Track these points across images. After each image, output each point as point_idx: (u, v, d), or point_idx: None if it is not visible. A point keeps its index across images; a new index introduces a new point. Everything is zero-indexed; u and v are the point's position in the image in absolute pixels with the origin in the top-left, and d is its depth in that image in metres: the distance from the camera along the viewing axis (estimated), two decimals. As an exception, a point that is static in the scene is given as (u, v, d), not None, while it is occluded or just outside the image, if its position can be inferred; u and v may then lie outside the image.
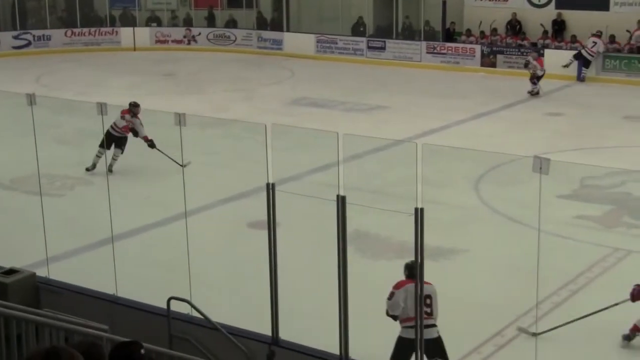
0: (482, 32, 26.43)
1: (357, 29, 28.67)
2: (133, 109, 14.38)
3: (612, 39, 24.03)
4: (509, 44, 25.86)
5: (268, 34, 29.78)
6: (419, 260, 6.79)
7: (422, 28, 27.64)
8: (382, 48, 27.36)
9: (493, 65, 25.49)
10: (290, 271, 8.96)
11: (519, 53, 25.16)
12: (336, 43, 28.24)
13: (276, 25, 30.23)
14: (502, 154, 14.92)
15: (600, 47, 23.41)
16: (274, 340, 7.56)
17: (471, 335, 8.58)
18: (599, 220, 12.17)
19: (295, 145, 14.60)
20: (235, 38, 30.20)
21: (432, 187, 12.53)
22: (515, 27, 26.32)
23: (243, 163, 13.66)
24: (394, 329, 8.24)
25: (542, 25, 25.58)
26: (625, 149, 16.24)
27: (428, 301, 7.39)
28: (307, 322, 8.51)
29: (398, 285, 7.57)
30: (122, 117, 14.36)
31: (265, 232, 7.54)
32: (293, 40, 28.99)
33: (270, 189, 7.47)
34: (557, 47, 25.05)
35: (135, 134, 14.45)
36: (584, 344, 8.49)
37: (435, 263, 10.02)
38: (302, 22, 30.21)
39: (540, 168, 9.51)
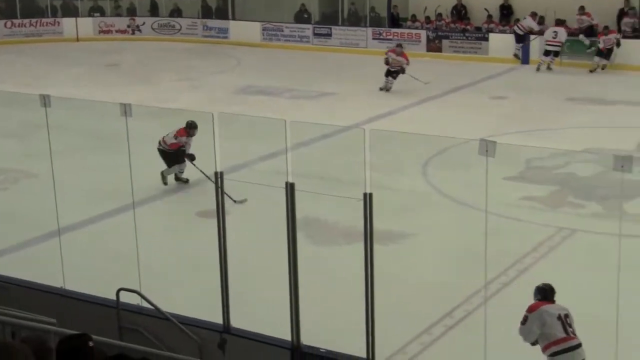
0: (427, 18, 26.59)
1: (301, 16, 28.64)
2: (190, 130, 12.99)
3: (561, 22, 24.30)
4: (454, 29, 26.05)
5: (213, 23, 29.61)
6: (369, 245, 6.82)
7: (368, 14, 27.72)
8: (328, 35, 27.38)
9: (439, 50, 25.68)
10: (241, 259, 8.96)
11: (465, 38, 25.39)
12: (282, 30, 28.19)
13: (221, 13, 30.07)
14: (448, 137, 15.04)
15: (563, 36, 23.54)
16: (226, 328, 7.55)
17: (421, 317, 8.66)
18: (545, 201, 12.36)
19: (243, 134, 14.53)
20: (180, 27, 29.97)
21: (380, 172, 12.58)
22: (460, 12, 26.53)
23: (191, 152, 13.56)
24: (345, 314, 8.29)
25: (486, 9, 25.82)
26: (569, 131, 16.49)
27: (569, 320, 7.06)
28: (258, 310, 8.51)
29: (531, 309, 7.13)
30: (175, 137, 13.12)
31: (215, 221, 7.51)
32: (239, 29, 28.88)
33: (219, 177, 7.44)
34: (501, 32, 25.31)
35: (182, 152, 13.16)
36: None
37: (385, 247, 10.08)
38: (248, 10, 30.10)
39: (487, 151, 9.61)
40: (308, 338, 7.18)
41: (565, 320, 6.95)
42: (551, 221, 11.45)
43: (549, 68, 23.40)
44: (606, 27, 22.90)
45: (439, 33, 25.88)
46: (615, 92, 20.18)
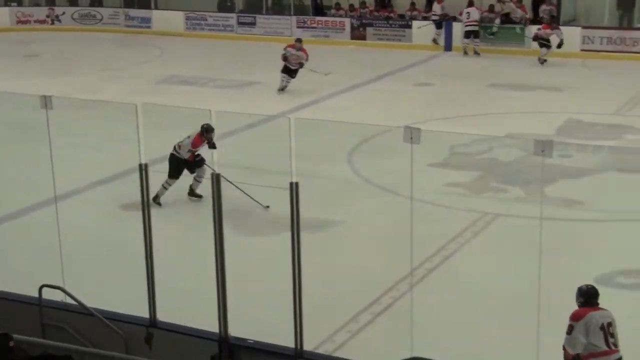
0: (351, 6, 26.69)
1: (224, 5, 28.44)
2: (207, 135, 11.68)
3: (492, 8, 24.66)
4: (377, 17, 26.19)
5: (136, 12, 29.18)
6: (296, 234, 6.82)
7: (292, 3, 27.68)
8: (253, 24, 27.24)
9: (363, 38, 25.79)
10: (167, 252, 8.88)
11: (388, 25, 25.55)
12: (206, 20, 27.94)
13: (144, 2, 29.65)
14: (373, 125, 15.13)
15: (476, 15, 23.96)
16: (152, 322, 7.47)
17: (349, 305, 8.71)
18: (468, 187, 12.53)
19: (168, 125, 14.38)
20: (102, 17, 29.46)
21: (306, 161, 12.55)
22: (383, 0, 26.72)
23: (115, 145, 13.36)
24: (273, 304, 8.28)
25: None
26: (491, 116, 16.76)
27: (611, 330, 6.63)
28: (185, 302, 8.44)
29: (576, 316, 6.64)
30: (193, 146, 11.87)
31: (140, 214, 7.42)
32: (161, 18, 28.53)
33: (143, 169, 7.35)
34: (424, 18, 25.53)
35: (202, 162, 12.05)
36: (459, 311, 8.74)
37: (312, 236, 10.08)
38: (171, -1, 29.78)
39: (411, 138, 9.68)
40: (236, 329, 7.16)
41: (607, 330, 6.57)
42: (475, 206, 11.62)
43: (476, 53, 23.76)
44: (555, 22, 22.55)
45: (363, 21, 25.99)
46: (536, 78, 20.57)
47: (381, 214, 11.44)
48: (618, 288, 9.15)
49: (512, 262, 9.77)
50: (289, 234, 6.84)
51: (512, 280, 9.23)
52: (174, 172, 11.97)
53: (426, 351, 7.42)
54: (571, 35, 23.19)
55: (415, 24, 25.13)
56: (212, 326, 7.15)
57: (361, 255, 10.26)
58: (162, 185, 11.83)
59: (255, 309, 8.48)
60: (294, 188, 6.76)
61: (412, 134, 9.68)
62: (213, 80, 20.78)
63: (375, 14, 26.41)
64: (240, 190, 11.45)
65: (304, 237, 6.88)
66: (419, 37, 24.91)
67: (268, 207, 11.54)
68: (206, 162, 11.82)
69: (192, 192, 12.07)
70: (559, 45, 21.67)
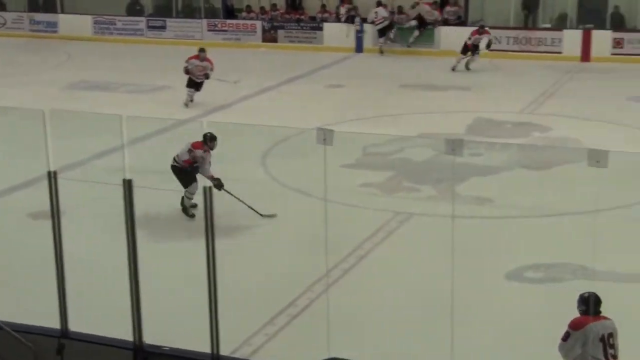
0: (262, 8, 26.68)
1: (133, 8, 28.08)
2: (210, 143, 11.31)
3: (401, 9, 25.00)
4: (288, 19, 26.23)
5: (41, 16, 28.56)
6: (210, 239, 6.76)
7: (202, 5, 27.51)
8: (163, 27, 26.98)
9: (274, 40, 25.82)
10: (79, 260, 8.69)
11: (299, 28, 25.62)
12: (114, 24, 27.55)
13: (49, 6, 29.05)
14: (286, 127, 15.16)
15: (383, 12, 24.32)
16: (64, 332, 7.30)
17: (265, 308, 8.69)
18: (382, 187, 12.65)
19: (77, 131, 14.13)
20: (5, 21, 28.75)
21: (219, 164, 12.53)
22: (294, 2, 26.77)
23: (22, 152, 13.05)
24: (188, 310, 8.21)
25: (320, -1, 26.20)
26: (403, 117, 16.96)
27: (611, 341, 6.37)
28: (99, 312, 8.29)
29: (575, 325, 6.38)
30: (190, 151, 11.34)
31: (49, 222, 7.25)
32: (68, 22, 28.00)
33: (52, 177, 7.18)
34: (336, 20, 25.70)
35: (196, 170, 11.43)
36: (375, 311, 8.81)
37: (227, 240, 10.04)
38: (78, 3, 29.19)
39: (324, 139, 9.73)
40: (151, 337, 7.05)
41: (607, 341, 6.32)
42: (388, 206, 11.73)
43: (381, 52, 24.14)
44: (482, 27, 22.45)
45: (274, 23, 26.00)
46: (446, 78, 20.93)
47: (296, 215, 11.46)
48: (528, 282, 9.37)
49: (425, 260, 9.91)
50: (204, 239, 6.78)
51: (426, 278, 9.36)
52: (185, 180, 11.41)
53: (343, 351, 7.46)
54: (478, 35, 23.70)
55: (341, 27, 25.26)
56: (127, 334, 7.03)
57: (276, 257, 10.25)
58: (184, 196, 11.36)
59: (170, 315, 8.39)
60: (207, 192, 6.70)
61: (325, 136, 9.71)
62: (123, 85, 20.49)
63: (286, 16, 26.45)
64: (240, 200, 11.16)
65: (219, 241, 6.83)
66: (330, 39, 25.06)
67: (273, 215, 11.31)
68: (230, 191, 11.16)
69: (185, 209, 11.41)
70: (488, 45, 21.81)
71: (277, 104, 18.42)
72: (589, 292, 6.47)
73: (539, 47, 23.28)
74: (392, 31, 24.29)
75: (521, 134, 15.46)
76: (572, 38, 23.06)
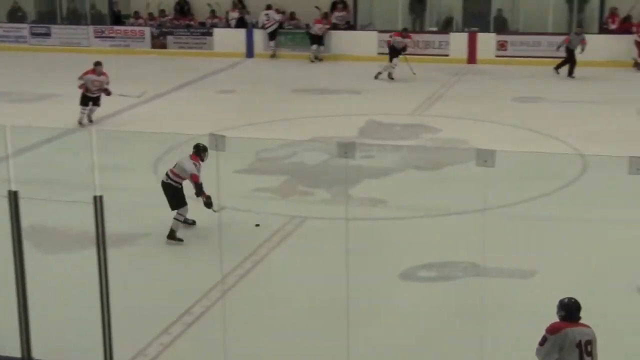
0: (150, 14, 26.35)
1: (14, 15, 27.31)
2: (203, 154, 10.70)
3: (293, 15, 25.08)
4: (178, 25, 25.99)
5: None
6: (102, 249, 6.61)
7: (88, 12, 26.97)
8: (47, 34, 26.32)
9: (164, 46, 25.55)
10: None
11: (189, 33, 25.43)
12: (-5, 31, 26.72)
13: None
14: (178, 134, 14.98)
15: (275, 15, 24.40)
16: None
17: (159, 317, 8.55)
18: (276, 191, 12.64)
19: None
20: None
21: (110, 173, 12.31)
22: (183, 7, 26.54)
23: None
24: (79, 322, 8.01)
25: (209, 4, 25.98)
26: (295, 121, 17.01)
27: (589, 348, 6.22)
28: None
29: (552, 330, 6.26)
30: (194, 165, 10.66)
31: None
32: (-55, 30, 27.01)
33: None
34: (227, 26, 25.63)
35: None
36: (272, 315, 8.79)
37: (119, 249, 9.87)
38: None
39: (217, 145, 9.68)
40: (40, 351, 6.85)
41: (584, 348, 6.20)
42: (283, 210, 11.73)
43: (273, 56, 24.24)
44: (405, 30, 22.43)
45: (163, 29, 25.72)
46: (336, 82, 21.09)
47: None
48: (421, 281, 9.52)
49: (321, 262, 9.95)
50: (95, 249, 6.63)
51: (322, 281, 9.40)
52: (179, 200, 10.60)
53: (240, 358, 7.43)
54: (368, 39, 24.02)
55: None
56: (14, 350, 6.82)
57: (170, 265, 10.12)
58: (176, 219, 10.52)
59: (61, 328, 8.17)
60: (98, 201, 6.55)
61: (217, 142, 9.66)
62: (6, 94, 19.86)
63: (175, 22, 26.20)
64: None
65: (111, 251, 6.69)
66: (221, 45, 24.96)
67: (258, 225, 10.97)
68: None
69: (173, 234, 10.58)
70: (404, 49, 21.63)
71: (168, 110, 18.20)
72: (568, 298, 6.35)
73: (426, 50, 23.74)
74: (272, 42, 24.39)
75: (411, 136, 15.72)
76: (458, 41, 23.63)
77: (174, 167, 10.83)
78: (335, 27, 24.58)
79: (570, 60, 21.04)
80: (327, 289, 9.13)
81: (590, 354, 6.17)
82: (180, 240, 10.55)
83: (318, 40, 23.78)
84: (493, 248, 10.11)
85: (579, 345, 6.16)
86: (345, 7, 25.23)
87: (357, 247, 10.11)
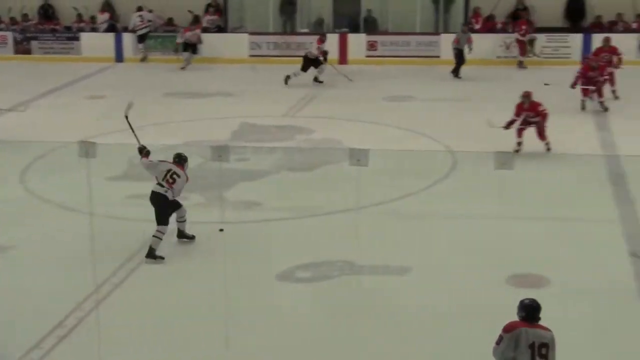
0: (12, 19, 25.48)
1: None
2: (186, 164, 10.65)
3: (171, 21, 24.75)
4: (42, 30, 25.24)
5: None
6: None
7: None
8: None
9: (28, 52, 24.75)
10: None
11: (55, 38, 24.76)
12: None
13: None
14: (47, 142, 14.58)
15: (149, 16, 24.03)
16: None
17: (31, 330, 8.27)
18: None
19: None
20: None
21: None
22: (47, 11, 25.81)
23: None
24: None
25: (75, 8, 25.35)
26: (168, 125, 16.79)
27: (544, 351, 6.12)
28: None
29: (507, 328, 6.20)
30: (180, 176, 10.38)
31: None
32: None
33: None
34: (92, 30, 25.06)
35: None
36: (149, 323, 8.64)
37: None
38: None
39: (87, 152, 9.46)
40: None
41: (538, 350, 6.11)
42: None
43: (143, 60, 23.90)
44: (324, 34, 21.75)
45: (27, 34, 24.91)
46: (209, 85, 20.93)
47: (60, 231, 11.01)
48: (298, 282, 9.55)
49: (197, 267, 9.86)
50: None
51: (199, 285, 9.32)
52: (166, 214, 10.22)
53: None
54: (239, 41, 23.96)
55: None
56: None
57: (41, 277, 9.79)
58: (155, 237, 10.07)
59: None
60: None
61: (87, 149, 9.45)
62: None
63: (40, 26, 25.42)
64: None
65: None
66: (88, 49, 24.38)
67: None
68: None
69: (181, 234, 10.53)
70: (325, 55, 20.92)
71: (36, 117, 17.59)
72: (529, 299, 6.31)
73: (298, 51, 23.86)
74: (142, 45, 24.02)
75: (285, 137, 15.74)
76: (329, 42, 23.82)
77: (173, 183, 10.27)
78: (206, 30, 24.39)
79: (460, 60, 21.44)
80: (204, 293, 9.05)
81: (544, 357, 6.10)
82: (162, 258, 10.05)
83: (192, 47, 23.43)
84: (368, 246, 10.28)
85: (531, 346, 6.10)
86: (217, 11, 25.08)
87: (234, 250, 10.08)
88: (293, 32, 24.86)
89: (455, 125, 16.24)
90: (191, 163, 13.90)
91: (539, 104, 14.15)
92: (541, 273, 9.45)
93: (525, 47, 22.73)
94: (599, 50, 18.72)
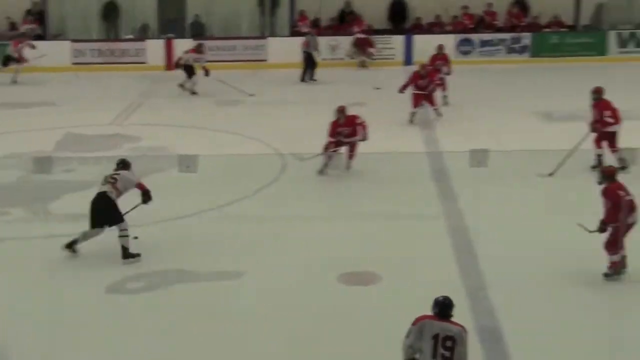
0: None
1: None
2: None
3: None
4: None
5: None
6: None
7: None
8: None
9: None
10: None
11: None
12: None
13: None
14: None
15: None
16: None
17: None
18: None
19: None
20: None
21: None
22: None
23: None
24: None
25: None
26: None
27: (449, 343, 6.21)
28: None
29: (415, 321, 6.38)
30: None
31: None
32: None
33: None
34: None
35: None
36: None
37: None
38: None
39: None
40: None
41: (442, 342, 6.24)
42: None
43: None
44: (200, 45, 20.65)
45: None
46: (29, 95, 20.15)
47: None
48: (129, 293, 9.33)
49: (20, 282, 9.47)
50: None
51: (27, 302, 8.95)
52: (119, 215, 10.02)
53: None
54: (61, 49, 23.20)
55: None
56: None
57: None
58: (122, 235, 9.95)
59: None
60: None
61: None
62: None
63: None
64: None
65: None
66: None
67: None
68: None
69: (127, 250, 9.99)
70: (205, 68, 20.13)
71: None
72: (443, 296, 6.44)
73: (123, 58, 23.41)
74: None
75: (112, 146, 15.31)
76: (155, 48, 23.52)
77: (116, 183, 10.14)
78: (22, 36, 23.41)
79: (309, 64, 21.53)
80: (31, 309, 8.71)
81: (449, 349, 6.23)
82: (138, 255, 9.96)
83: (16, 60, 22.26)
84: (201, 252, 10.19)
85: (435, 337, 6.26)
86: (37, 19, 24.17)
87: (62, 265, 9.77)
88: (117, 39, 24.35)
89: (284, 127, 16.35)
90: (12, 176, 13.43)
91: (355, 117, 13.38)
92: (372, 270, 9.64)
93: (366, 46, 23.22)
94: (434, 58, 18.73)
